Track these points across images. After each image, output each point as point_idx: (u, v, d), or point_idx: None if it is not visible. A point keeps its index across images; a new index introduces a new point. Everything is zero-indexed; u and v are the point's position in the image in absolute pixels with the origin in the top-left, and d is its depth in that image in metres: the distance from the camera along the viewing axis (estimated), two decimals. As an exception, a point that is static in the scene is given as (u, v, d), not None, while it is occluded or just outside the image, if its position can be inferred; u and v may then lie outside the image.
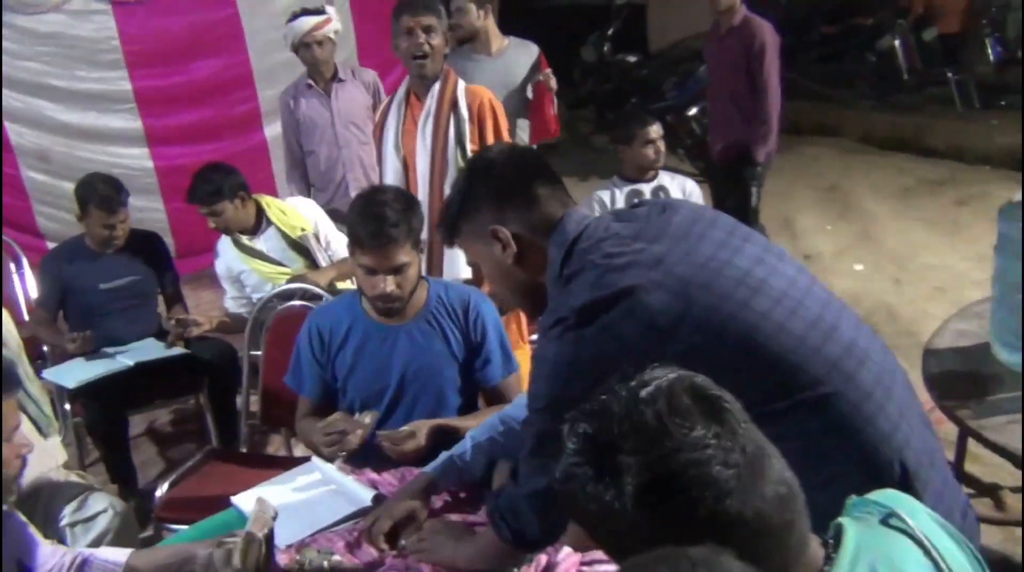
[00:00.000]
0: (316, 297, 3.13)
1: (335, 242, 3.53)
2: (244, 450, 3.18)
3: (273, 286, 3.42)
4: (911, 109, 8.57)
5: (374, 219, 2.11)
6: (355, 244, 2.17)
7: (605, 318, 1.35)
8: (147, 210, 5.34)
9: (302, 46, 3.93)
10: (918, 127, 7.79)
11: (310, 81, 4.08)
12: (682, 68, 6.94)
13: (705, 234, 1.44)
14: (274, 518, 1.70)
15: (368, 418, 2.15)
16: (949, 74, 8.38)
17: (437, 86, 3.07)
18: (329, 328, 2.32)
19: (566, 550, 1.71)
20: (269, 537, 1.66)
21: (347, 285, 3.51)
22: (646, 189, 3.74)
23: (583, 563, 1.71)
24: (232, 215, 3.38)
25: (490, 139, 3.12)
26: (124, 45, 5.22)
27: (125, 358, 3.24)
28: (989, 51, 8.68)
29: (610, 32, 7.89)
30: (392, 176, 3.10)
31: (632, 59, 7.46)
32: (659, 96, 6.82)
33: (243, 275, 3.53)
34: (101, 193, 3.34)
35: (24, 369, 2.58)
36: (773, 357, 1.33)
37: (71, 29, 5.07)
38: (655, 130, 3.70)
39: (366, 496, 1.95)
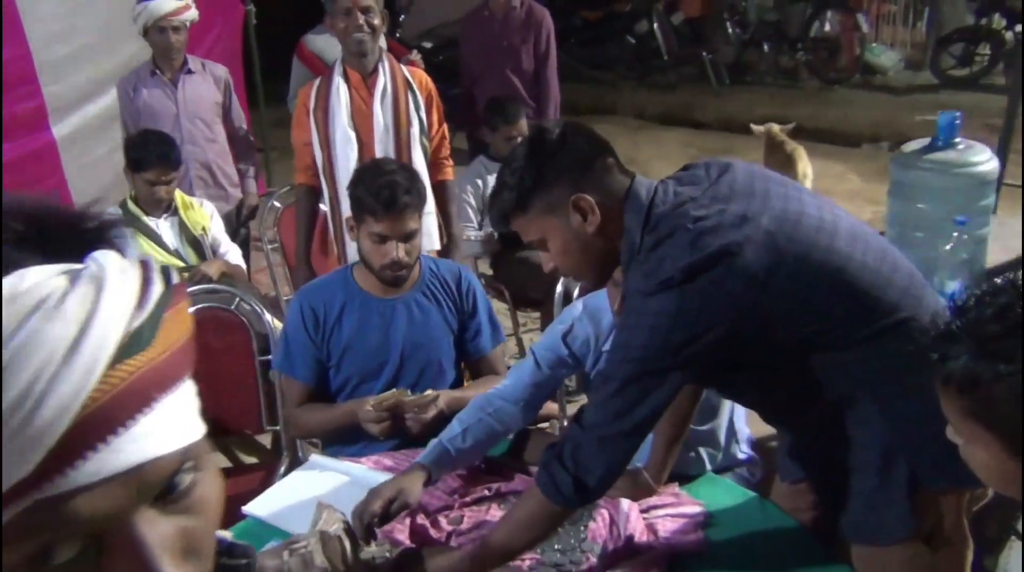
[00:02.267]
0: (222, 296, 2.92)
1: (224, 245, 3.34)
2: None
3: None
4: (671, 87, 9.33)
5: (387, 187, 2.16)
6: (366, 213, 2.18)
7: (709, 275, 1.44)
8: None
9: (155, 29, 3.65)
10: (685, 103, 8.49)
11: (156, 69, 3.78)
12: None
13: (768, 189, 1.57)
14: (342, 514, 1.64)
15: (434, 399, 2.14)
16: (704, 54, 9.22)
17: (386, 65, 3.06)
18: (323, 305, 2.28)
19: (625, 503, 1.79)
20: (349, 531, 1.60)
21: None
22: (514, 167, 3.82)
23: (642, 511, 1.80)
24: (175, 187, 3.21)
25: (435, 122, 3.11)
26: None
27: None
28: (730, 33, 9.64)
29: (401, 18, 7.88)
30: (345, 155, 2.99)
31: (428, 45, 7.50)
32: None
33: None
34: None
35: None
36: (859, 291, 1.50)
37: None
38: (519, 127, 3.79)
39: (393, 482, 1.91)
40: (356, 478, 1.97)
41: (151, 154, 3.17)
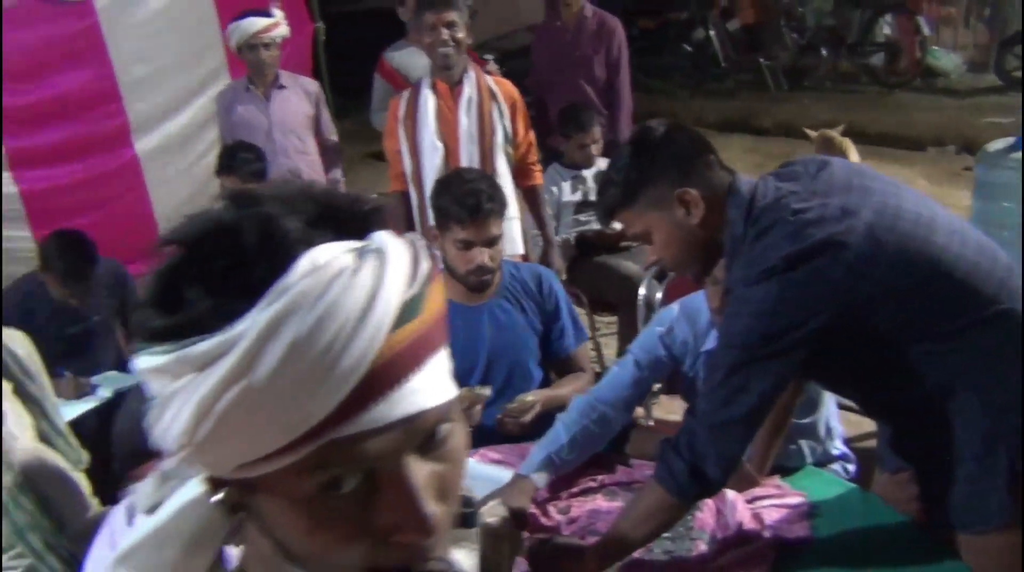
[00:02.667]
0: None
1: None
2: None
3: None
4: (729, 94, 9.33)
5: (471, 195, 2.25)
6: (451, 220, 2.27)
7: (810, 265, 1.50)
8: (14, 240, 4.91)
9: (247, 47, 3.82)
10: (744, 110, 8.50)
11: (250, 85, 3.95)
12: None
13: (866, 184, 1.63)
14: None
15: (488, 390, 2.20)
16: (761, 60, 9.21)
17: (472, 74, 3.15)
18: None
19: (731, 493, 1.84)
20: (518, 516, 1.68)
21: None
22: (588, 175, 3.91)
23: (747, 501, 1.85)
24: None
25: (521, 130, 3.21)
26: (-22, 60, 4.75)
27: (104, 391, 3.05)
28: (787, 39, 9.61)
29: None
30: (432, 162, 3.10)
31: (489, 57, 7.63)
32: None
33: None
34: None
35: (51, 401, 2.38)
36: (955, 283, 1.54)
37: (-83, 44, 4.56)
38: (592, 134, 3.88)
39: (504, 475, 1.99)
40: (471, 471, 2.04)
41: (229, 162, 3.40)
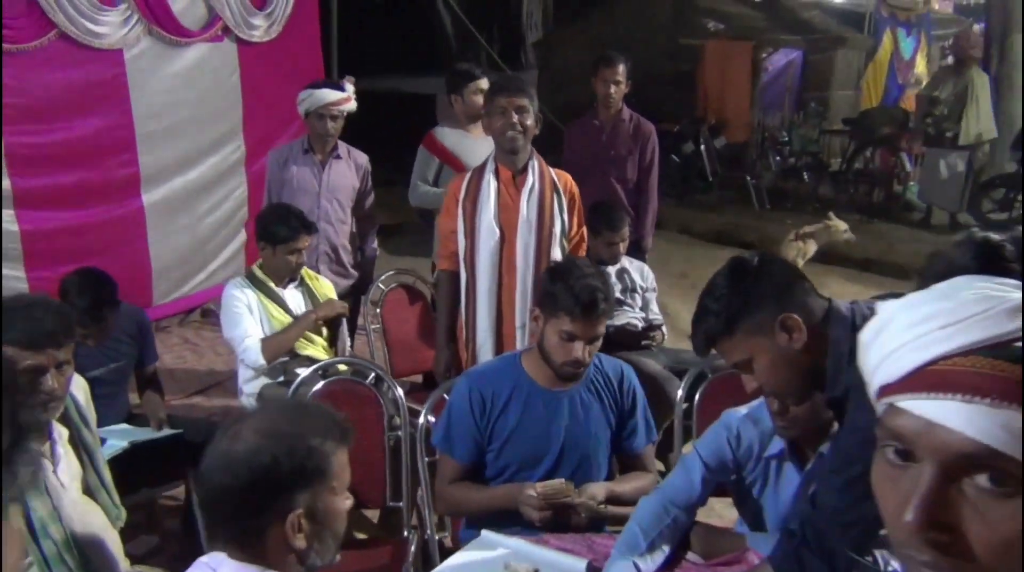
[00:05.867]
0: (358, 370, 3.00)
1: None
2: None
3: None
4: (713, 207, 9.58)
5: (588, 291, 2.22)
6: (560, 310, 2.24)
7: None
8: (7, 278, 4.77)
9: (316, 115, 3.93)
10: (732, 224, 8.73)
11: (309, 149, 4.04)
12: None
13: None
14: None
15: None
16: (748, 178, 9.52)
17: (535, 163, 3.16)
18: (491, 392, 2.35)
19: None
20: None
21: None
22: (611, 271, 3.96)
23: None
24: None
25: (575, 224, 3.22)
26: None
27: (116, 441, 2.92)
28: (771, 161, 9.97)
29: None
30: (488, 246, 3.09)
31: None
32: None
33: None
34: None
35: (101, 452, 2.28)
36: None
37: (-61, 75, 4.50)
38: (622, 234, 3.95)
39: (579, 566, 1.94)
40: (543, 561, 1.97)
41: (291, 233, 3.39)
